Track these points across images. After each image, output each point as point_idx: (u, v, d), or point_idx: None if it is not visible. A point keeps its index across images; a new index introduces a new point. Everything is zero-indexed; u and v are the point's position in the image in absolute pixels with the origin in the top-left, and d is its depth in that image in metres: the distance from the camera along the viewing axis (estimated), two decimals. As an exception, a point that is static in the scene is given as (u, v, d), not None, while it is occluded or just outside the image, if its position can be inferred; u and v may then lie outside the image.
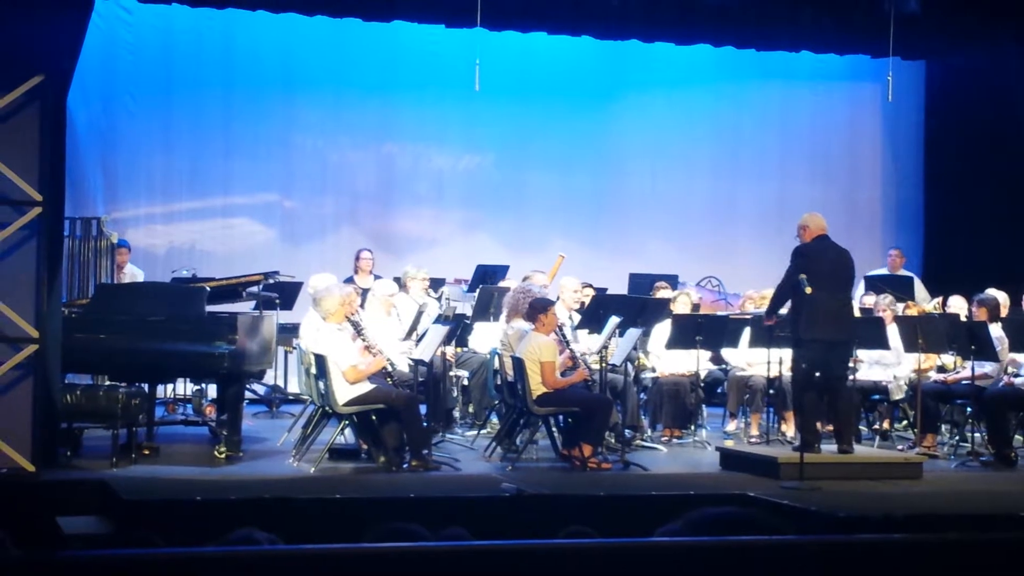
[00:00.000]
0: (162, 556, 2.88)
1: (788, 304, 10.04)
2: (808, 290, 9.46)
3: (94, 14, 10.00)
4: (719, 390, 12.36)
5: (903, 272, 14.62)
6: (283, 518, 7.64)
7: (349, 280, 12.79)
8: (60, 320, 9.46)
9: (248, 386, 11.83)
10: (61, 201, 9.58)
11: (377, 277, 12.81)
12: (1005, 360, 11.16)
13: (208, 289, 10.53)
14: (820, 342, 9.76)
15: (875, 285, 13.30)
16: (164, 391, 12.46)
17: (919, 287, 14.33)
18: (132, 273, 13.28)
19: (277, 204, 15.38)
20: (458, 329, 11.11)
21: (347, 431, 10.11)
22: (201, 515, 7.79)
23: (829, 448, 9.97)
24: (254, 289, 11.36)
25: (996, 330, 10.97)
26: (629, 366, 11.16)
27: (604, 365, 10.57)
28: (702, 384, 11.70)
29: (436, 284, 12.76)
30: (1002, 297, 11.81)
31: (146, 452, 9.98)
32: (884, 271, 14.53)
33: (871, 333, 11.13)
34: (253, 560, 2.87)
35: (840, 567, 3.17)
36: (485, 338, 11.65)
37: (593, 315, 11.09)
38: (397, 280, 12.10)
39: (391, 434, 9.69)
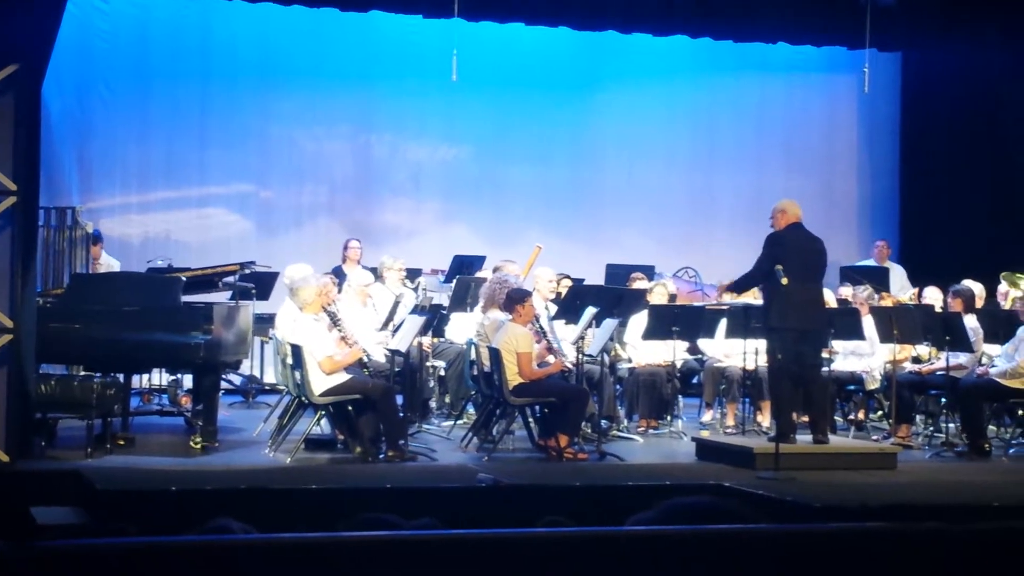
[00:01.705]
0: (138, 545, 2.88)
1: (761, 294, 10.06)
2: (784, 281, 9.48)
3: (69, 2, 9.92)
4: (695, 380, 12.39)
5: (886, 263, 14.67)
6: (259, 508, 7.63)
7: (337, 269, 12.77)
8: (35, 310, 9.41)
9: (224, 376, 11.81)
10: (35, 190, 9.52)
11: (366, 268, 12.79)
12: (980, 351, 11.22)
13: (184, 279, 10.51)
14: (792, 331, 9.79)
15: (851, 276, 13.34)
16: (139, 381, 12.40)
17: (899, 276, 14.40)
18: (108, 264, 13.20)
19: (253, 194, 15.33)
20: (435, 319, 11.10)
21: (323, 421, 10.11)
22: (176, 505, 7.78)
23: (804, 438, 10.01)
24: (230, 279, 11.33)
25: (971, 321, 11.02)
26: (605, 356, 11.18)
27: (581, 356, 10.58)
28: (678, 374, 11.73)
29: (413, 274, 12.74)
30: (978, 288, 11.87)
31: (121, 442, 9.96)
32: (871, 262, 14.57)
33: (846, 324, 11.16)
34: (228, 549, 2.87)
35: (813, 556, 3.17)
36: (462, 328, 11.64)
37: (570, 306, 11.09)
38: (373, 270, 12.09)
39: (367, 424, 9.69)
